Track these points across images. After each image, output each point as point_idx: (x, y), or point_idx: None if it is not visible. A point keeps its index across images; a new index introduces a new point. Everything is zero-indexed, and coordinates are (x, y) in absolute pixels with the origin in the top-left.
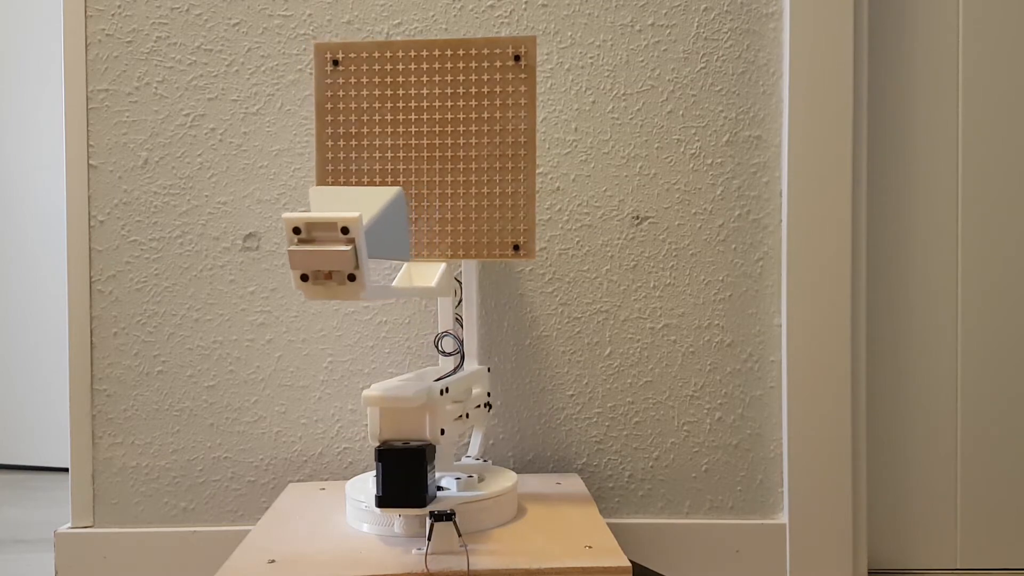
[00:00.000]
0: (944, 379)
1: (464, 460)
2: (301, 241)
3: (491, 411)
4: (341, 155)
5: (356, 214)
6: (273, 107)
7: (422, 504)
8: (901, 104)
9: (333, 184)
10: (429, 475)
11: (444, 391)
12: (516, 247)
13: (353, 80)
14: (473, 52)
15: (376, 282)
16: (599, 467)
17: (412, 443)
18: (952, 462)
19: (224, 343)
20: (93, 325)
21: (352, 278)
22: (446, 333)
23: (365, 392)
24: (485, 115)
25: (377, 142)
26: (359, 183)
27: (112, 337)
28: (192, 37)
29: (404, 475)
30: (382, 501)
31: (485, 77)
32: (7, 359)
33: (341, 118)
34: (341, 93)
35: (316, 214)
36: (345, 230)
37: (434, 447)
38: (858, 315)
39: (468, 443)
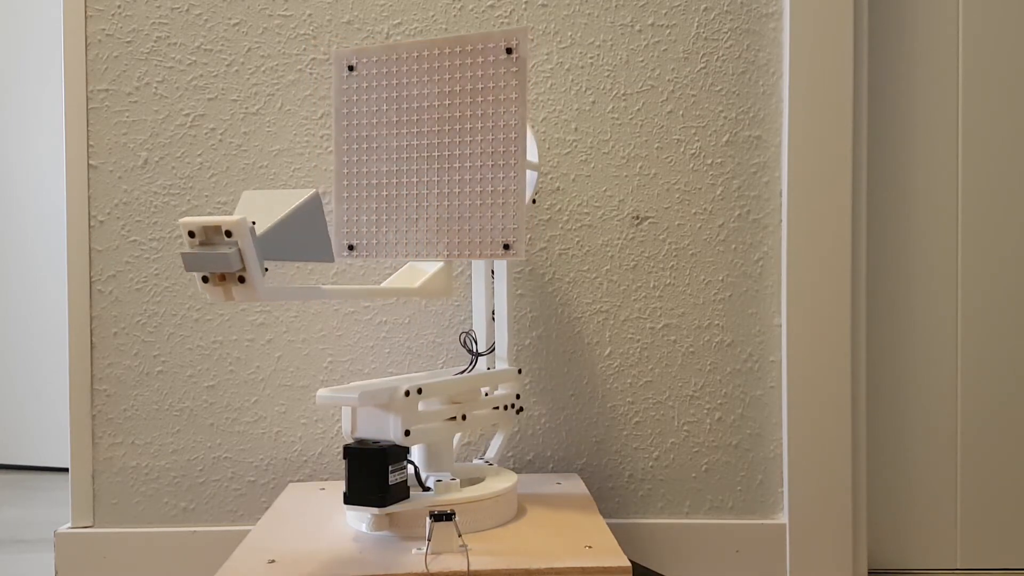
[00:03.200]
0: (944, 379)
1: (474, 461)
2: (201, 244)
3: (520, 413)
4: (355, 158)
5: (239, 217)
6: (273, 107)
7: (382, 504)
8: (901, 103)
9: (347, 187)
10: (393, 475)
11: (410, 392)
12: (506, 246)
13: (365, 84)
14: (469, 48)
15: (316, 283)
16: (599, 467)
17: (381, 443)
18: (952, 462)
19: (224, 343)
20: (93, 325)
21: (242, 280)
22: (468, 332)
23: (319, 392)
24: (479, 111)
25: (385, 144)
26: (369, 184)
27: (112, 337)
28: (192, 37)
29: (365, 474)
30: (347, 498)
31: (480, 73)
32: (7, 359)
33: (355, 121)
34: (355, 97)
35: (204, 218)
36: (228, 233)
37: (401, 448)
38: (858, 315)
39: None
